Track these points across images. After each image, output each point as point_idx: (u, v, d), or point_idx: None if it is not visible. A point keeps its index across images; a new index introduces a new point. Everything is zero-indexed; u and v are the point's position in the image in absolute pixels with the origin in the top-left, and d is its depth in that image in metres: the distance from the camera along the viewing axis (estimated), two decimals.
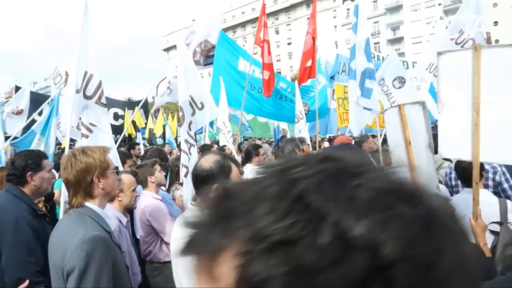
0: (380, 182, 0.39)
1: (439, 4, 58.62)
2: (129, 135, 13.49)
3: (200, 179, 2.04)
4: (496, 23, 48.57)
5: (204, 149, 7.10)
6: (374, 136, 8.13)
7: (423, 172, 3.71)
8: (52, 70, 8.01)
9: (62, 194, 3.48)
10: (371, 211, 0.36)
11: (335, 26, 67.25)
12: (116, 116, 12.55)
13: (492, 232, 3.10)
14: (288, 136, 10.52)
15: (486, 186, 3.79)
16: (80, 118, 3.90)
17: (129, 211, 3.44)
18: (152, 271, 3.80)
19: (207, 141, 11.78)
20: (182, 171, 4.12)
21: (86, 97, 3.78)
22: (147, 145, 13.51)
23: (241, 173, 2.17)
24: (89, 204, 2.02)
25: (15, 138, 7.25)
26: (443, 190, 4.16)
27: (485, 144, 2.88)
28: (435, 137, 3.57)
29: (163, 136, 14.73)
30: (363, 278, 0.33)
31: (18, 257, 2.53)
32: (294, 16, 75.24)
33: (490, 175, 4.08)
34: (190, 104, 4.42)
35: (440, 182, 4.37)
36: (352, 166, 0.41)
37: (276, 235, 0.35)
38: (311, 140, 8.50)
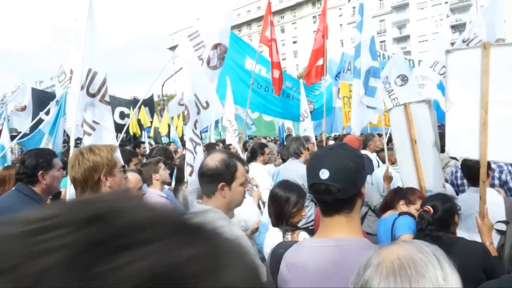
0: (149, 263, 0.29)
1: (446, 2, 58.22)
2: (134, 134, 13.54)
3: (206, 178, 2.05)
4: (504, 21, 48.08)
5: (209, 148, 7.11)
6: (380, 135, 8.10)
7: (429, 171, 3.70)
8: (57, 69, 8.08)
9: (67, 192, 3.49)
10: None
11: (341, 25, 66.98)
12: (122, 115, 12.59)
13: (498, 231, 3.08)
14: (293, 135, 10.50)
15: (492, 185, 3.77)
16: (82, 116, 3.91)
17: None
18: None
19: (213, 140, 11.80)
20: (187, 170, 4.12)
21: (89, 94, 3.79)
22: (153, 143, 13.57)
23: (247, 171, 2.17)
24: None
25: (22, 137, 7.31)
26: (449, 189, 4.14)
27: (493, 143, 2.87)
28: (441, 135, 3.55)
29: (169, 134, 14.78)
30: None
31: None
32: (300, 15, 75.06)
33: (496, 174, 4.05)
34: (195, 103, 4.42)
35: (446, 180, 4.35)
36: (124, 233, 0.30)
37: None
38: (316, 139, 8.48)
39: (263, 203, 4.29)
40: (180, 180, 5.12)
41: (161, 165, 4.12)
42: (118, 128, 11.94)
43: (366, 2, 6.30)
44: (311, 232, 2.94)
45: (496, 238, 2.99)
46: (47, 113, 7.15)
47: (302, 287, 1.43)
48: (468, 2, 55.40)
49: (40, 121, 6.98)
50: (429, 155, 3.65)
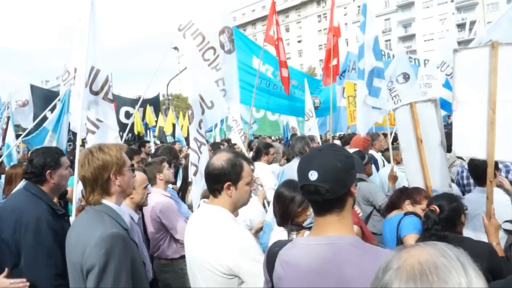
0: None
1: (452, 1, 57.80)
2: (138, 133, 13.57)
3: (212, 177, 2.05)
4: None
5: (214, 147, 7.12)
6: (385, 135, 8.07)
7: (435, 170, 3.68)
8: (62, 69, 8.11)
9: (74, 191, 3.50)
10: None
11: (346, 24, 66.71)
12: (128, 115, 12.63)
13: (505, 231, 3.06)
14: (298, 134, 10.49)
15: (499, 186, 3.74)
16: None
17: (140, 208, 3.47)
18: (161, 267, 3.83)
19: (218, 139, 11.81)
20: (191, 169, 4.12)
21: (92, 92, 3.79)
22: (158, 143, 13.59)
23: (252, 170, 2.17)
24: (106, 201, 2.03)
25: (27, 135, 7.35)
26: (455, 189, 4.11)
27: (500, 143, 2.84)
28: (447, 135, 3.52)
29: (173, 134, 14.80)
30: None
31: (37, 260, 2.50)
32: (305, 14, 74.89)
33: (503, 174, 4.03)
34: (200, 103, 4.42)
35: (452, 180, 4.33)
36: None
37: None
38: (321, 138, 8.46)
39: (268, 202, 4.29)
40: (186, 179, 5.13)
41: (165, 164, 4.12)
42: (124, 127, 11.98)
43: (369, 2, 6.27)
44: None
45: (503, 238, 2.96)
46: (52, 110, 7.19)
47: (294, 284, 1.46)
48: (474, 1, 55.03)
49: (45, 118, 7.01)
50: (435, 155, 3.63)
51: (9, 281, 2.39)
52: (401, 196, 3.58)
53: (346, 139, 7.41)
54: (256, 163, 5.34)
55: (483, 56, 2.88)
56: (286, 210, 2.62)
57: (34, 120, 7.79)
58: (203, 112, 4.47)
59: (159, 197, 3.85)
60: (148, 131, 14.43)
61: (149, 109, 14.64)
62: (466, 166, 4.14)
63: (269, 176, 5.19)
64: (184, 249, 3.64)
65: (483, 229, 2.86)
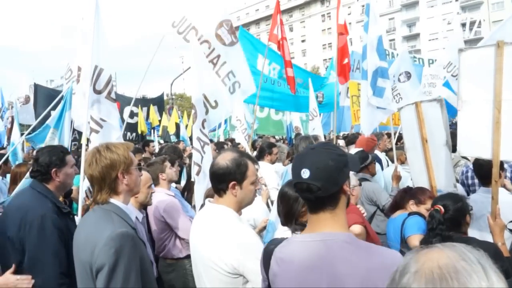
0: None
1: (456, 0, 57.52)
2: (142, 132, 13.60)
3: (217, 177, 2.05)
4: None
5: (217, 147, 7.13)
6: (389, 135, 8.05)
7: (440, 170, 3.66)
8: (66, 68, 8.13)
9: (80, 191, 3.52)
10: None
11: (350, 23, 66.52)
12: (132, 114, 12.67)
13: (511, 231, 3.04)
14: (302, 134, 10.48)
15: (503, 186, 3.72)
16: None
17: (144, 207, 3.47)
18: (166, 267, 3.83)
19: (222, 139, 11.82)
20: (194, 169, 4.11)
21: (95, 91, 3.80)
22: (162, 142, 13.62)
23: (257, 170, 2.17)
24: (114, 200, 2.03)
25: (30, 132, 7.38)
26: (460, 189, 4.10)
27: (506, 142, 2.83)
28: (452, 135, 3.51)
29: (177, 133, 14.82)
30: None
31: (41, 258, 2.50)
32: (308, 13, 74.76)
33: (508, 174, 4.01)
34: (203, 103, 4.41)
35: (457, 180, 4.31)
36: None
37: None
38: (324, 138, 8.45)
39: (272, 202, 4.29)
40: (190, 179, 5.13)
41: (167, 163, 4.10)
42: (130, 127, 11.95)
43: (372, 2, 6.25)
44: None
45: (509, 239, 2.95)
46: (54, 108, 7.21)
47: (289, 280, 1.48)
48: (479, 0, 54.72)
49: (48, 116, 7.04)
50: (440, 155, 3.62)
51: (15, 277, 2.40)
52: (405, 196, 3.57)
53: (350, 139, 7.40)
54: (259, 163, 5.34)
55: (489, 56, 2.86)
56: (290, 209, 2.62)
57: (36, 117, 7.81)
58: (207, 112, 4.46)
59: (162, 197, 3.84)
60: (152, 130, 14.46)
61: (153, 109, 14.66)
62: (471, 166, 4.13)
63: (272, 175, 5.19)
64: (189, 248, 3.66)
65: (488, 229, 2.85)
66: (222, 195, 2.06)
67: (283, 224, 2.70)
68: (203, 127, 4.27)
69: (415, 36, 62.64)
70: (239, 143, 7.59)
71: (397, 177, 5.06)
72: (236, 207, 2.06)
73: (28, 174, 4.11)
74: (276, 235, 2.96)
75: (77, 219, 3.14)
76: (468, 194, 4.12)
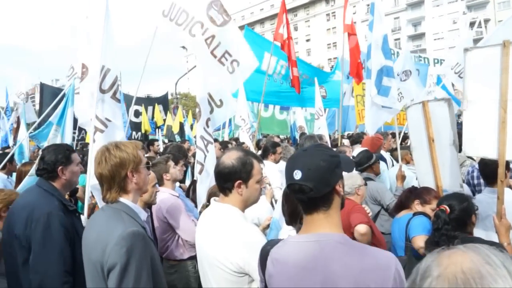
0: None
1: None
2: (145, 132, 13.65)
3: (223, 176, 2.05)
4: None
5: (222, 146, 7.13)
6: (393, 135, 8.03)
7: (447, 170, 3.64)
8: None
9: (86, 190, 3.53)
10: None
11: (355, 22, 66.36)
12: (137, 114, 12.72)
13: None
14: (307, 133, 10.47)
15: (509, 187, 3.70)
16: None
17: (148, 206, 3.47)
18: (168, 268, 3.80)
19: (226, 138, 11.83)
20: (197, 168, 4.10)
21: (101, 90, 3.80)
22: (166, 141, 13.65)
23: (262, 169, 2.17)
24: (123, 199, 2.03)
25: (35, 129, 7.43)
26: (466, 189, 4.08)
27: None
28: (458, 135, 3.49)
29: (181, 133, 14.85)
30: None
31: (46, 256, 2.50)
32: (313, 13, 74.60)
33: None
34: (208, 102, 4.41)
35: (462, 180, 4.29)
36: None
37: None
38: (329, 137, 8.44)
39: (275, 201, 4.29)
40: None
41: (171, 163, 4.08)
42: (135, 126, 11.98)
43: (377, 1, 6.22)
44: None
45: None
46: (57, 105, 7.25)
47: (284, 280, 1.49)
48: None
49: (51, 114, 7.07)
50: (447, 154, 3.60)
51: None
52: (410, 196, 3.55)
53: (355, 138, 7.38)
54: (263, 162, 5.33)
55: (495, 55, 2.85)
56: (295, 209, 2.62)
57: (40, 115, 7.85)
58: (211, 111, 4.46)
59: (166, 197, 3.83)
60: (157, 129, 14.50)
61: (158, 108, 14.70)
62: (477, 166, 4.10)
63: (276, 175, 5.19)
64: (192, 249, 3.63)
65: (494, 230, 2.83)
66: (227, 194, 2.06)
67: (288, 223, 2.70)
68: (207, 126, 4.27)
69: (421, 36, 62.31)
70: (243, 142, 7.59)
71: (401, 177, 5.04)
72: (241, 206, 2.06)
73: (31, 171, 4.14)
74: (281, 234, 2.96)
75: (83, 218, 3.16)
76: (474, 194, 4.09)
